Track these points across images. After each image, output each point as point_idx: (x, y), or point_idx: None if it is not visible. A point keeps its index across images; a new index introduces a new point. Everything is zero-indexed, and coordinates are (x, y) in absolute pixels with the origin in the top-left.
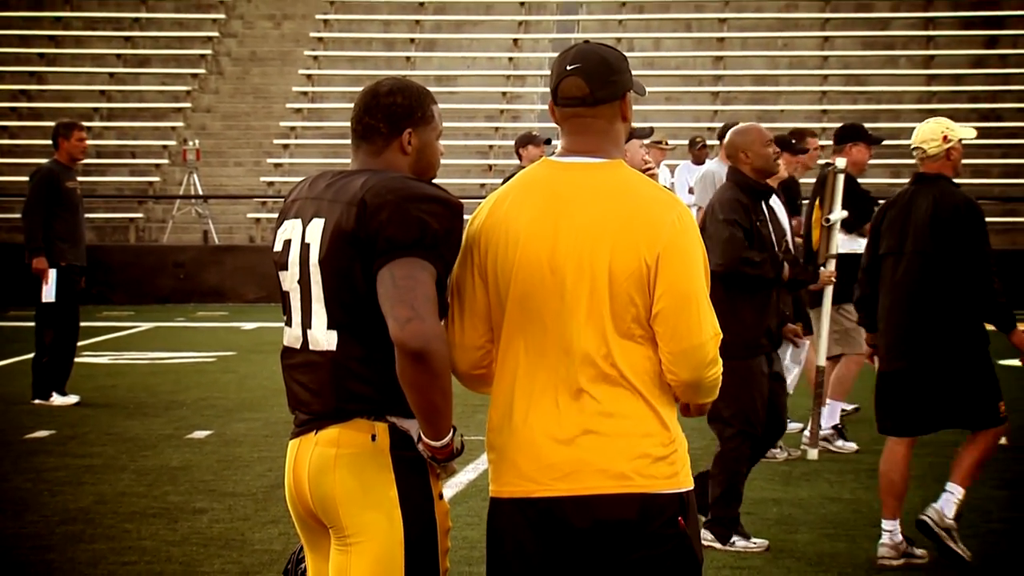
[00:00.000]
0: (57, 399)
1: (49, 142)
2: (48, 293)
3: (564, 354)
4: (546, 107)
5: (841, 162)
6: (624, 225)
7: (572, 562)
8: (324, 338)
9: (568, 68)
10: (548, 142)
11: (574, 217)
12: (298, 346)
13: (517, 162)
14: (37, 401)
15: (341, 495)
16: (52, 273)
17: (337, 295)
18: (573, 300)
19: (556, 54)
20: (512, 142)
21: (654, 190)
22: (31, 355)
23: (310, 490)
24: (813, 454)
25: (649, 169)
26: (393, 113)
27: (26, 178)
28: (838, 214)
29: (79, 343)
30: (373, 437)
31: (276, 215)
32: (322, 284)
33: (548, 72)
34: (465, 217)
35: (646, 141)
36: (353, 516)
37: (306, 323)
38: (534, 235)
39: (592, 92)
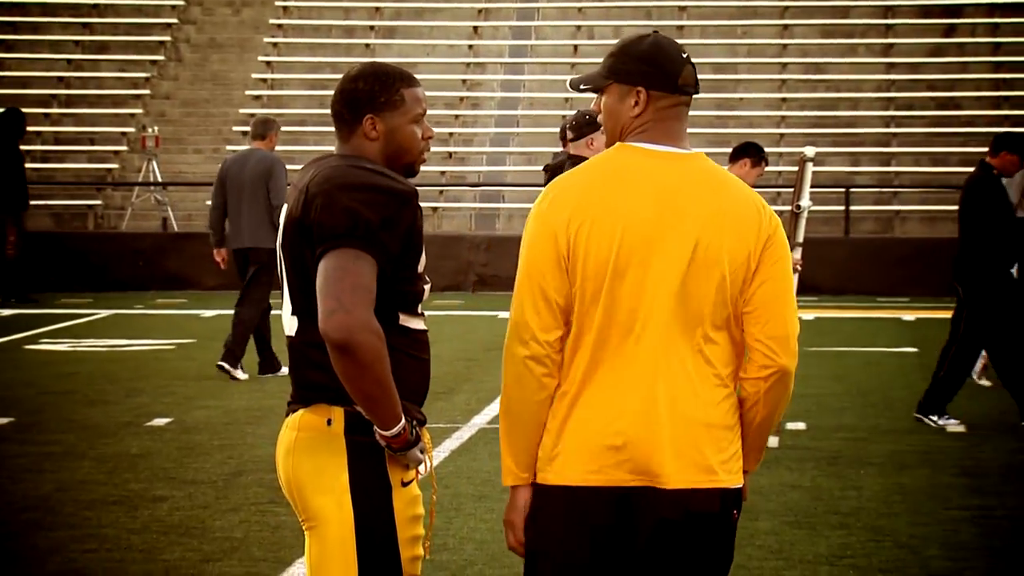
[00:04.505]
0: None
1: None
2: None
3: (662, 344)
4: (507, 94)
5: (810, 151)
6: (736, 215)
7: (647, 551)
8: (289, 324)
9: (685, 56)
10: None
11: (687, 207)
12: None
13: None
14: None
15: (298, 478)
16: None
17: (296, 281)
18: (680, 290)
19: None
20: (472, 129)
21: (741, 183)
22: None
23: (280, 471)
24: (773, 441)
25: None
26: (354, 99)
27: None
28: (807, 201)
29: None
30: (329, 422)
31: None
32: (285, 270)
33: (508, 59)
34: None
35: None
36: (307, 500)
37: (286, 308)
38: (641, 224)
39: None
